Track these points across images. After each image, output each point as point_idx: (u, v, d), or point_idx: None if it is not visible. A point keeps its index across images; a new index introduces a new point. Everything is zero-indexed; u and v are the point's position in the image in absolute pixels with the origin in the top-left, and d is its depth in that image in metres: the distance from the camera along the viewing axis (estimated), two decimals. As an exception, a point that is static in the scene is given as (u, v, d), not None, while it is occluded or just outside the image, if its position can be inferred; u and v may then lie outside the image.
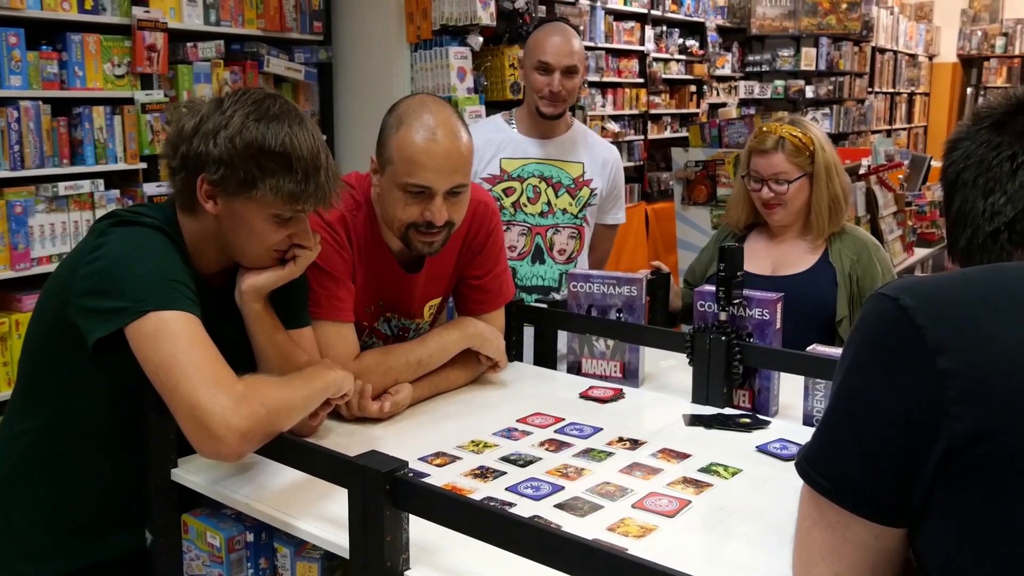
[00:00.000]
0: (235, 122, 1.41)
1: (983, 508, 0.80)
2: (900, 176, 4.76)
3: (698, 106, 8.26)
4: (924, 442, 0.81)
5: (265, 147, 1.41)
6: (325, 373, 1.52)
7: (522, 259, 2.60)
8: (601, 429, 1.68)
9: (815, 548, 0.89)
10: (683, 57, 8.04)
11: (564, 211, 2.62)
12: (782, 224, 2.37)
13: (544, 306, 2.15)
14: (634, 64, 7.38)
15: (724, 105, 8.49)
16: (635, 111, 7.40)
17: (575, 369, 2.05)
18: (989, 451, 0.79)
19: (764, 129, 2.35)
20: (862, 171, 4.13)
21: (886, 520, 0.85)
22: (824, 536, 0.88)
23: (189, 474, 1.47)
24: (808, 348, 1.79)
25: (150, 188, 3.52)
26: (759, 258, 2.37)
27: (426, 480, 1.42)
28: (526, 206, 2.60)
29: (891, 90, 11.00)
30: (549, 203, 2.61)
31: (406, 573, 1.17)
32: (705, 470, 1.50)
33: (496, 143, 2.62)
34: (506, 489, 1.43)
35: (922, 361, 0.82)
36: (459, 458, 1.55)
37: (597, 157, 2.67)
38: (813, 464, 0.89)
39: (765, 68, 8.91)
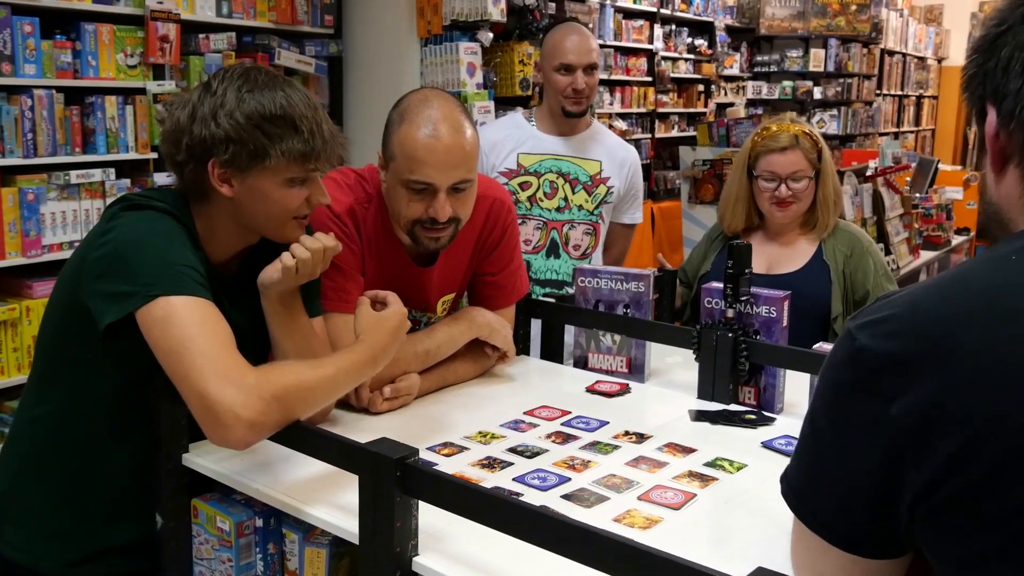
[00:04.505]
0: (229, 98, 1.42)
1: (959, 543, 0.78)
2: (907, 179, 4.77)
3: (706, 105, 8.26)
4: (892, 490, 0.80)
5: (266, 114, 1.41)
6: (360, 348, 1.47)
7: (537, 253, 2.64)
8: (607, 423, 1.69)
9: (803, 557, 0.90)
10: (691, 56, 8.04)
11: (580, 207, 2.66)
12: (785, 222, 2.38)
13: (552, 300, 2.16)
14: (642, 62, 7.38)
15: (732, 105, 8.49)
16: (643, 109, 7.40)
17: (581, 363, 2.06)
18: (951, 493, 0.77)
19: (774, 128, 2.36)
20: (869, 173, 4.14)
21: (871, 555, 0.85)
22: (807, 549, 0.89)
23: (200, 459, 1.48)
24: (815, 346, 1.80)
25: (160, 178, 3.54)
26: (754, 257, 2.38)
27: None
28: (542, 201, 2.63)
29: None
30: (566, 199, 2.65)
31: (415, 559, 1.19)
32: (710, 464, 1.51)
33: (515, 138, 2.66)
34: (513, 479, 1.44)
35: (877, 409, 0.80)
36: (467, 448, 1.57)
37: (615, 156, 2.72)
38: (793, 490, 0.89)
39: (773, 68, 8.90)
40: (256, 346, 1.53)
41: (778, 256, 2.40)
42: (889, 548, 0.84)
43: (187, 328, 1.31)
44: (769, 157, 2.34)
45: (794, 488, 0.89)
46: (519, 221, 2.61)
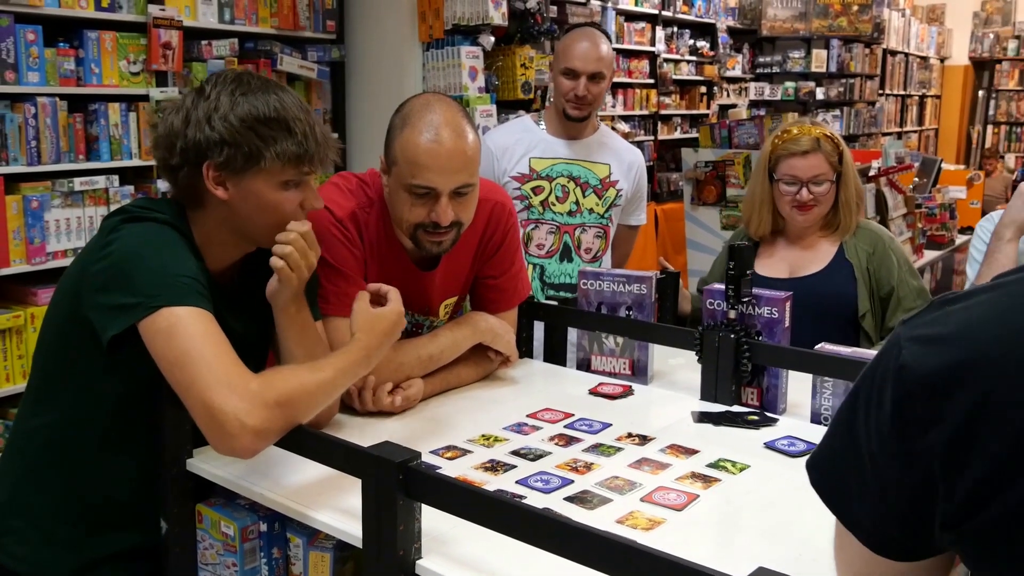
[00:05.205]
0: (223, 102, 1.43)
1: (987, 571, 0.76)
2: (915, 179, 4.77)
3: (708, 107, 8.26)
4: (925, 508, 0.77)
5: (260, 116, 1.43)
6: (352, 351, 1.47)
7: (550, 257, 2.66)
8: (610, 425, 1.69)
9: (844, 554, 0.88)
10: (693, 58, 8.04)
11: (591, 211, 2.67)
12: (806, 226, 2.37)
13: (555, 303, 2.17)
14: (644, 65, 7.39)
15: (734, 106, 8.49)
16: (645, 111, 7.41)
17: (584, 366, 2.06)
18: (981, 523, 0.74)
19: (794, 131, 2.34)
20: (872, 173, 4.14)
21: (903, 559, 0.82)
22: (840, 537, 0.87)
23: (204, 464, 1.49)
24: (816, 347, 1.80)
25: (163, 184, 3.55)
26: (776, 261, 2.37)
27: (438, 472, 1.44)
28: (555, 205, 2.65)
29: (902, 92, 10.98)
30: (577, 202, 2.67)
31: (418, 562, 1.19)
32: (713, 465, 1.51)
33: (526, 143, 2.68)
34: (516, 482, 1.44)
35: (913, 432, 0.76)
36: (470, 451, 1.57)
37: (623, 160, 2.74)
38: (825, 477, 0.86)
39: (776, 70, 8.90)
40: (254, 354, 1.53)
41: (800, 259, 2.37)
42: (924, 553, 0.82)
43: (191, 339, 1.31)
44: (790, 161, 2.31)
45: (826, 476, 0.86)
46: (532, 226, 2.64)
